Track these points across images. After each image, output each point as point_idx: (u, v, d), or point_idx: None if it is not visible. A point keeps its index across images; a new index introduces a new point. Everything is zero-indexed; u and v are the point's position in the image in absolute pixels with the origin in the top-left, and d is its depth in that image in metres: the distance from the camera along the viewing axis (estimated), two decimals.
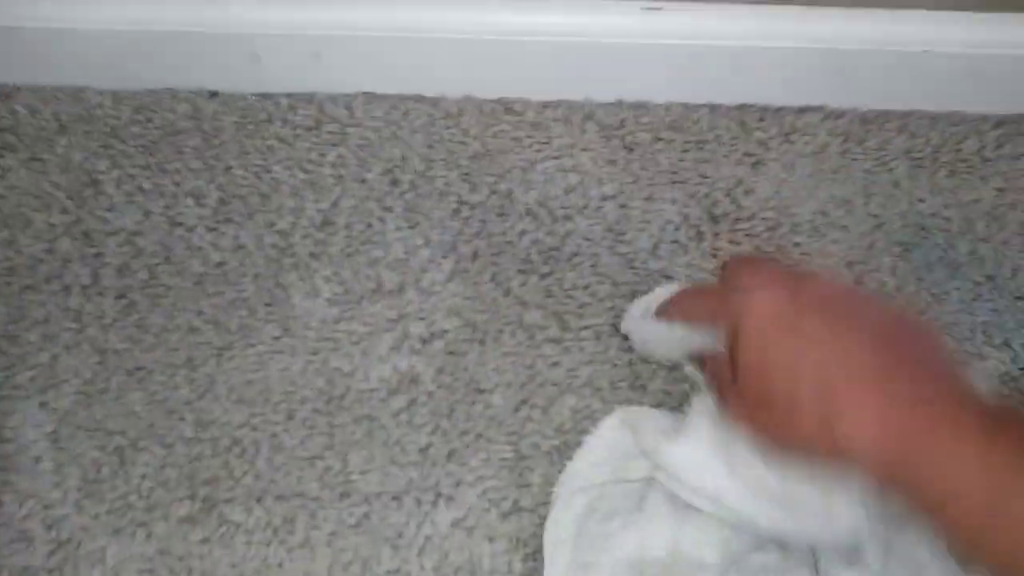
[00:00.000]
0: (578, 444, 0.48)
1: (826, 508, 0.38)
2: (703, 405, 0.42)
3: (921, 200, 0.57)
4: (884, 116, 0.61)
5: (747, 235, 0.56)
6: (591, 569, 0.42)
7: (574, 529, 0.43)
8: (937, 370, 0.34)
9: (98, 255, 0.55)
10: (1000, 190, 0.58)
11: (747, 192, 0.57)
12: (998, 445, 0.30)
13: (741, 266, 0.40)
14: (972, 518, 0.30)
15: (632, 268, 0.54)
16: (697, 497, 0.40)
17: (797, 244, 0.55)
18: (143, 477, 0.47)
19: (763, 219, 0.56)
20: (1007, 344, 0.51)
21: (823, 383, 0.33)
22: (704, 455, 0.40)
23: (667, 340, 0.43)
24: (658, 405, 0.49)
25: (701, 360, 0.43)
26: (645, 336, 0.46)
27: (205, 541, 0.46)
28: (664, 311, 0.44)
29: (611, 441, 0.46)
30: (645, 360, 0.51)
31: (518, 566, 0.45)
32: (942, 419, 0.32)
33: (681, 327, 0.42)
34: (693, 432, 0.41)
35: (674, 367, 0.51)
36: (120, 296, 0.54)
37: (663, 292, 0.46)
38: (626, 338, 0.52)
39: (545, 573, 0.44)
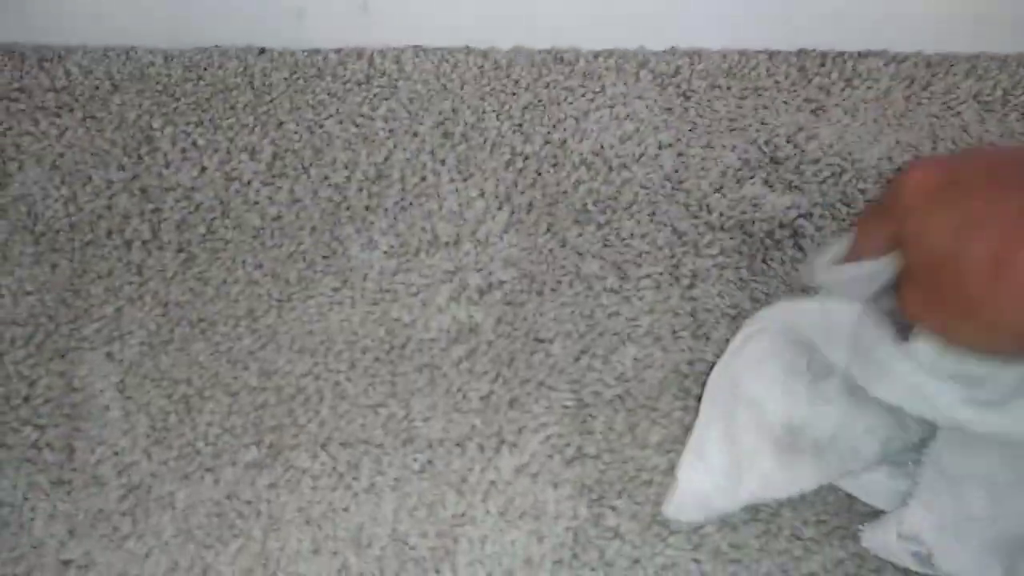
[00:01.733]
0: (640, 392, 0.49)
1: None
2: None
3: (992, 144, 0.57)
4: (950, 59, 0.61)
5: (811, 182, 0.56)
6: (746, 414, 0.43)
7: (741, 369, 0.44)
8: None
9: (156, 210, 0.57)
10: None
11: (809, 138, 0.58)
12: None
13: (898, 172, 0.38)
14: None
15: (693, 216, 0.55)
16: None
17: (862, 191, 0.55)
18: (209, 424, 0.49)
19: (827, 165, 0.56)
20: None
21: (992, 233, 0.31)
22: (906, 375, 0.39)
23: (856, 280, 0.41)
24: (719, 354, 0.50)
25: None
26: (834, 286, 0.44)
27: (272, 486, 0.47)
28: (847, 257, 0.42)
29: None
30: (707, 308, 0.52)
31: (583, 511, 0.46)
32: None
33: (868, 263, 0.40)
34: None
35: (737, 315, 0.52)
36: (180, 250, 0.56)
37: (842, 243, 0.44)
38: (680, 282, 0.53)
39: (702, 403, 0.45)
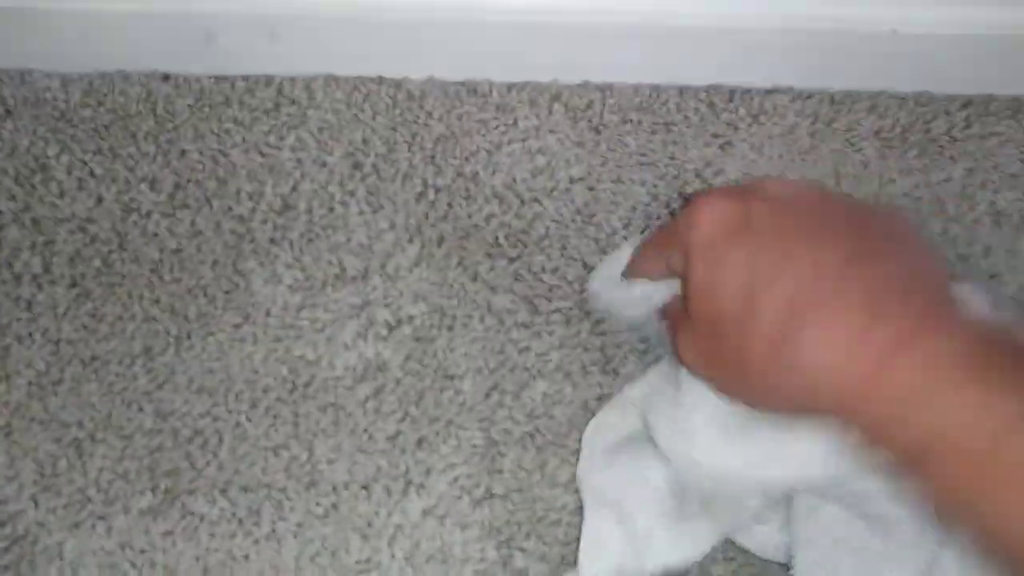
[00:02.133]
0: (549, 430, 0.49)
1: (790, 453, 0.36)
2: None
3: (891, 180, 0.59)
4: (853, 97, 0.63)
5: None
6: (631, 492, 0.43)
7: (605, 461, 0.44)
8: (925, 284, 0.29)
9: (49, 243, 0.55)
10: (970, 170, 0.60)
11: (717, 173, 0.59)
12: (1000, 378, 0.25)
13: (692, 197, 0.36)
14: (966, 466, 0.25)
15: (602, 250, 0.55)
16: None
17: None
18: (101, 470, 0.47)
19: None
20: None
21: (781, 296, 0.28)
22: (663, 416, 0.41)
23: (629, 300, 0.42)
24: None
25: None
26: (609, 300, 0.45)
27: (168, 534, 0.46)
28: (628, 266, 0.42)
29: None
30: (616, 344, 0.52)
31: (492, 553, 0.45)
32: (929, 342, 0.26)
33: (641, 283, 0.41)
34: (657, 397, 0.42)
35: (646, 350, 0.52)
36: (73, 285, 0.54)
37: (627, 251, 0.45)
38: (591, 317, 0.53)
39: (585, 513, 0.45)
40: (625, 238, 0.57)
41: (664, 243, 0.38)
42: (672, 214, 0.42)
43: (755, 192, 0.32)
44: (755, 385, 0.32)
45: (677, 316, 0.37)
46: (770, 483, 0.39)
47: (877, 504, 0.40)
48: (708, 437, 0.38)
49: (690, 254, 0.33)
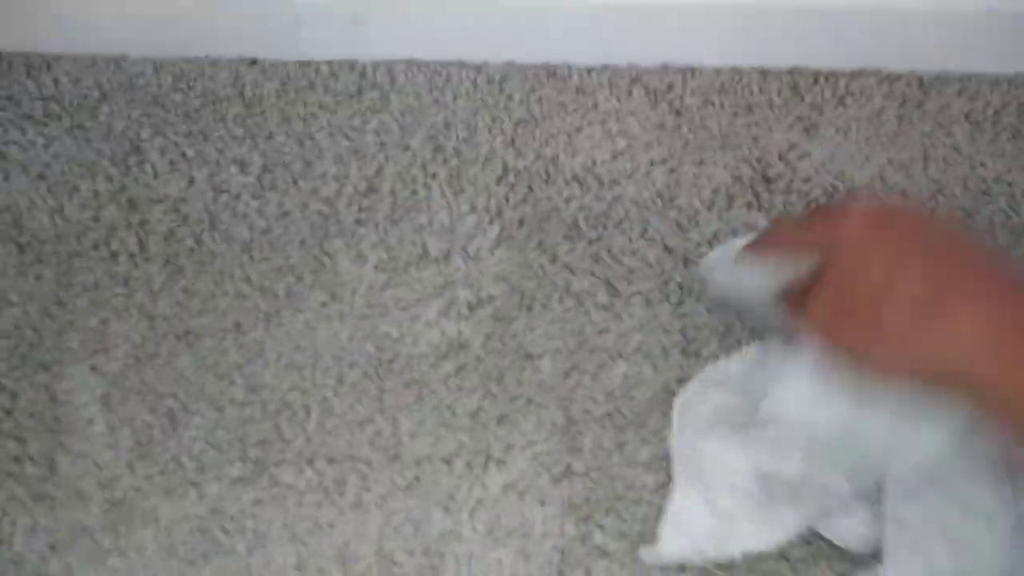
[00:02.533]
0: (628, 410, 0.49)
1: (905, 431, 0.38)
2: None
3: (983, 164, 0.58)
4: (942, 79, 0.62)
5: (802, 201, 0.57)
6: (718, 474, 0.44)
7: (698, 433, 0.45)
8: None
9: (143, 222, 0.57)
10: None
11: (801, 157, 0.58)
12: None
13: (832, 202, 0.40)
14: None
15: (683, 232, 0.55)
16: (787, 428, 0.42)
17: None
18: (194, 439, 0.49)
19: (819, 184, 0.57)
20: None
21: (926, 282, 0.34)
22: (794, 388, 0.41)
23: (756, 276, 0.42)
24: None
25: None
26: (731, 275, 0.45)
27: (257, 502, 0.47)
28: (751, 247, 0.44)
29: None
30: (696, 326, 0.52)
31: (571, 529, 0.46)
32: None
33: (771, 260, 0.41)
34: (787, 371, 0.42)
35: (727, 333, 0.52)
36: (167, 262, 0.56)
37: (742, 241, 0.46)
38: (671, 299, 0.53)
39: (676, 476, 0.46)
40: (706, 221, 0.57)
41: (801, 231, 0.41)
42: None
43: (899, 209, 0.39)
44: (892, 350, 0.36)
45: (802, 293, 0.39)
46: (885, 451, 0.40)
47: (980, 493, 0.40)
48: (828, 402, 0.40)
49: (838, 237, 0.37)
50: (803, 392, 0.41)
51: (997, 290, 0.33)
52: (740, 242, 0.45)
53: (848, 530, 0.45)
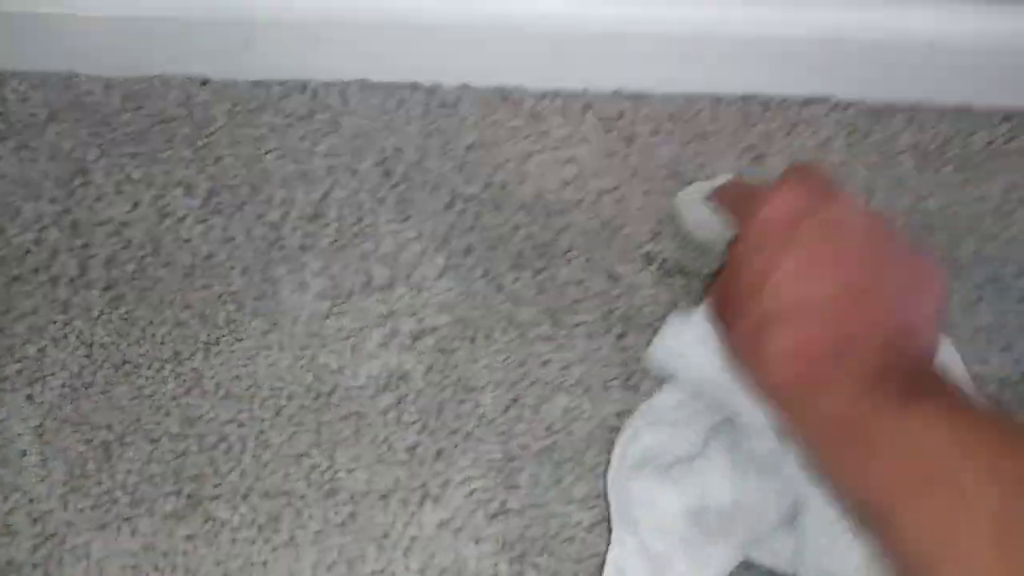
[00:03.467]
0: (567, 445, 0.49)
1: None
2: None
3: (927, 197, 0.58)
4: (891, 109, 0.62)
5: None
6: (648, 516, 0.44)
7: (628, 476, 0.45)
8: (906, 339, 0.34)
9: (86, 246, 0.57)
10: (1009, 186, 0.58)
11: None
12: (921, 404, 0.31)
13: (793, 169, 0.39)
14: (834, 440, 0.32)
15: (628, 262, 0.55)
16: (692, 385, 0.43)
17: None
18: (128, 472, 0.49)
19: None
20: (1008, 348, 0.51)
21: (780, 290, 0.33)
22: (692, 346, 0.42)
23: (707, 225, 0.45)
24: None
25: None
26: (690, 215, 0.49)
27: (190, 538, 0.47)
28: (716, 194, 0.45)
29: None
30: (638, 359, 0.52)
31: (504, 568, 0.46)
32: (851, 365, 0.32)
33: (721, 215, 0.43)
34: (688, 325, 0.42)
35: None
36: (108, 288, 0.55)
37: (723, 179, 0.47)
38: (612, 331, 0.53)
39: (613, 522, 0.46)
40: (648, 253, 0.56)
41: (747, 195, 0.41)
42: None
43: (833, 198, 0.37)
44: (733, 351, 0.37)
45: (720, 266, 0.41)
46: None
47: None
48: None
49: (749, 221, 0.36)
50: (694, 342, 0.42)
51: (832, 319, 0.33)
52: (719, 181, 0.47)
53: (780, 551, 0.45)
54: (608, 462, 0.48)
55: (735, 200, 0.43)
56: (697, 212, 0.46)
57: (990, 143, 0.60)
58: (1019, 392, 0.50)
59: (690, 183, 0.54)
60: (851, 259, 0.35)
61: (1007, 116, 0.61)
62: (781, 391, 0.34)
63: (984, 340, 0.52)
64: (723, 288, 0.38)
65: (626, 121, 0.62)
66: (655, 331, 0.52)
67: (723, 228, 0.43)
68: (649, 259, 0.56)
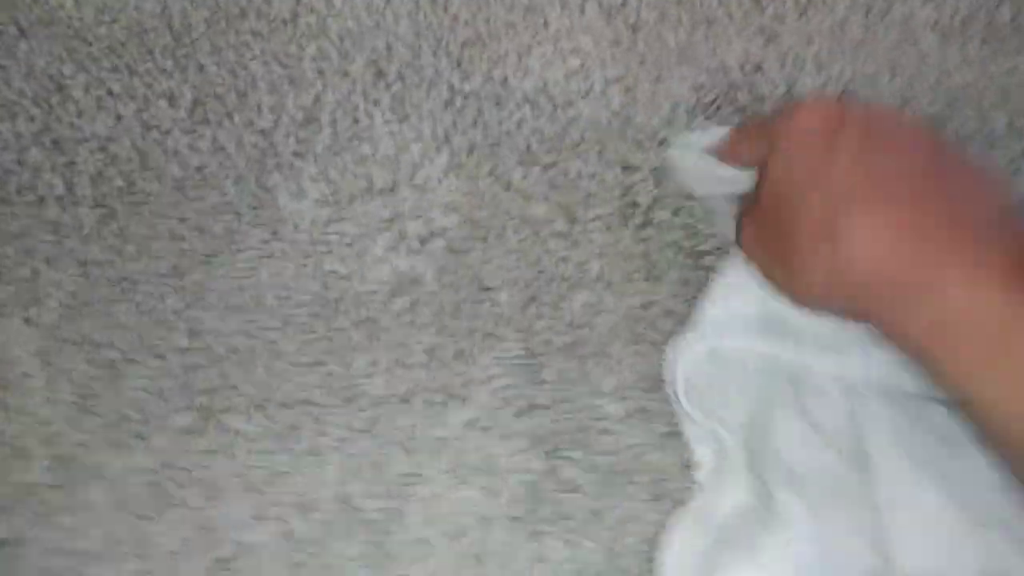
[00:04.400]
0: (591, 340, 0.49)
1: (837, 346, 0.37)
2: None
3: (951, 73, 0.57)
4: None
5: (765, 112, 0.56)
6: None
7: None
8: (978, 211, 0.30)
9: (70, 164, 0.55)
10: None
11: (762, 69, 0.57)
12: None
13: (798, 101, 0.37)
14: (971, 350, 0.27)
15: (643, 151, 0.54)
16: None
17: None
18: (137, 390, 0.48)
19: (782, 95, 0.56)
20: None
21: (840, 195, 0.30)
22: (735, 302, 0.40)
23: (711, 178, 0.42)
24: (674, 296, 0.49)
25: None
26: (690, 170, 0.46)
27: (208, 452, 0.46)
28: (719, 148, 0.43)
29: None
30: (660, 249, 0.52)
31: (537, 464, 0.46)
32: (966, 249, 0.28)
33: (728, 167, 0.41)
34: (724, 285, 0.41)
35: (692, 254, 0.51)
36: (98, 205, 0.54)
37: (717, 131, 0.45)
38: (632, 223, 0.52)
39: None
40: (666, 138, 0.55)
41: (758, 133, 0.39)
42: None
43: (854, 106, 0.35)
44: (796, 277, 0.34)
45: (747, 206, 0.38)
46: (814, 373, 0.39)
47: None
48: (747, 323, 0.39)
49: (777, 142, 0.35)
50: (740, 295, 0.40)
51: (907, 204, 0.30)
52: (714, 132, 0.44)
53: None
54: (634, 352, 0.47)
55: (745, 142, 0.40)
56: (697, 165, 0.43)
57: (1016, 15, 0.59)
58: None
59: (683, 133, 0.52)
60: (909, 145, 0.33)
61: None
62: (874, 288, 0.30)
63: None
64: (760, 215, 0.35)
65: (630, 9, 0.60)
66: (678, 219, 0.51)
67: (726, 180, 0.41)
68: (663, 145, 0.55)
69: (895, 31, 0.59)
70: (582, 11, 0.60)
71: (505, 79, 0.58)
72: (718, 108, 0.56)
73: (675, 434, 0.45)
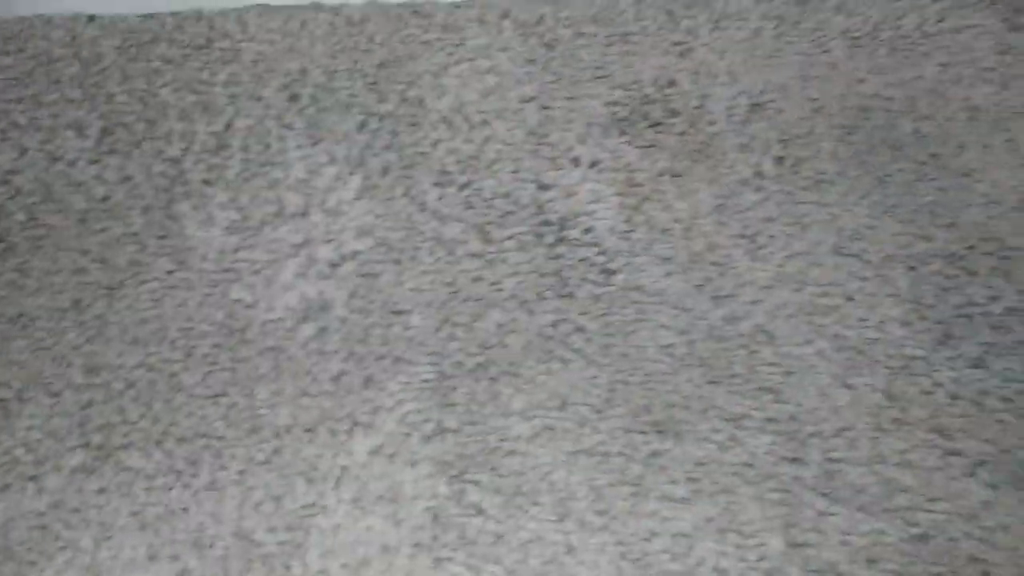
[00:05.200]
0: (503, 359, 0.47)
1: None
2: None
3: (861, 81, 0.56)
4: None
5: (679, 126, 0.55)
6: None
7: None
8: None
9: None
10: (943, 65, 0.57)
11: (676, 83, 0.56)
12: None
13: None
14: None
15: (557, 168, 0.53)
16: None
17: (731, 130, 0.54)
18: (30, 429, 0.46)
19: (695, 108, 0.55)
20: (954, 224, 0.50)
21: None
22: None
23: None
24: (584, 313, 0.48)
25: None
26: None
27: (102, 491, 0.44)
28: None
29: None
30: (572, 266, 0.50)
31: (443, 489, 0.44)
32: None
33: None
34: None
35: (604, 270, 0.50)
36: None
37: None
38: (544, 240, 0.51)
39: None
40: (577, 158, 0.54)
41: None
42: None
43: None
44: None
45: None
46: None
47: None
48: None
49: None
50: None
51: None
52: None
53: None
54: (546, 370, 0.46)
55: None
56: None
57: (922, 23, 0.59)
58: (967, 266, 0.49)
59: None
60: None
61: None
62: None
63: (928, 217, 0.51)
64: None
65: (546, 26, 0.60)
66: (591, 235, 0.50)
67: None
68: (577, 163, 0.54)
69: (806, 40, 0.59)
70: (499, 29, 0.59)
71: (421, 99, 0.57)
72: (632, 124, 0.55)
73: (582, 452, 0.43)
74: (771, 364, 0.45)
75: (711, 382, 0.45)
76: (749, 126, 0.54)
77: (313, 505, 0.44)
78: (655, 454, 0.43)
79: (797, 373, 0.44)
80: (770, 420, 0.44)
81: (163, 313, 0.49)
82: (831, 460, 0.43)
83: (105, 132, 0.54)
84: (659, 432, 0.43)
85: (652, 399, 0.44)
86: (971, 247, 0.49)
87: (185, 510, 0.44)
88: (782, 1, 0.59)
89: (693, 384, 0.45)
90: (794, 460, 0.43)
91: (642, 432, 0.43)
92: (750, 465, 0.43)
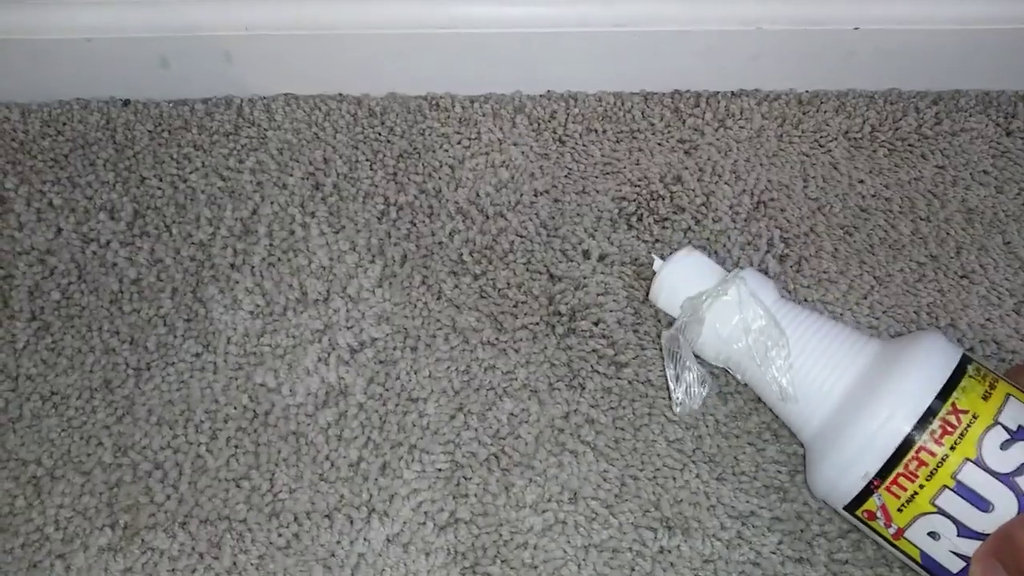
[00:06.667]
0: (515, 450, 0.49)
1: None
2: None
3: (861, 181, 0.59)
4: (820, 97, 0.63)
5: (684, 223, 0.57)
6: None
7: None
8: None
9: (8, 276, 0.55)
10: (940, 167, 0.59)
11: (682, 180, 0.58)
12: None
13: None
14: None
15: (568, 260, 0.55)
16: None
17: (735, 228, 0.56)
18: (60, 507, 0.47)
19: (700, 205, 0.57)
20: (953, 325, 0.52)
21: None
22: None
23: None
24: (594, 406, 0.49)
25: None
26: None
27: (127, 571, 0.45)
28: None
29: None
30: (582, 357, 0.52)
31: None
32: None
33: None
34: None
35: (614, 363, 0.52)
36: (32, 319, 0.53)
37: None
38: (556, 331, 0.53)
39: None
40: (587, 251, 0.56)
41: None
42: None
43: None
44: None
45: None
46: None
47: None
48: None
49: None
50: None
51: None
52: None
53: None
54: (557, 463, 0.48)
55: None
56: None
57: (920, 126, 0.61)
58: None
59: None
60: None
61: (935, 99, 0.62)
62: None
63: (927, 318, 0.53)
64: None
65: (558, 122, 0.62)
66: (599, 328, 0.52)
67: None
68: (587, 255, 0.56)
69: (808, 140, 0.61)
70: (513, 124, 0.62)
71: (439, 190, 0.59)
72: (639, 219, 0.57)
73: (593, 547, 0.45)
74: (776, 462, 0.47)
75: (718, 479, 0.46)
76: (752, 224, 0.56)
77: None
78: (663, 551, 0.45)
79: (803, 472, 0.46)
80: (777, 520, 0.46)
81: (189, 395, 0.50)
82: (836, 561, 0.45)
83: (137, 215, 0.56)
84: (668, 528, 0.45)
85: (661, 495, 0.46)
86: (970, 349, 0.51)
87: None
88: (784, 102, 0.62)
89: (701, 480, 0.46)
90: (800, 560, 0.45)
91: (651, 528, 0.45)
92: (756, 564, 0.44)
